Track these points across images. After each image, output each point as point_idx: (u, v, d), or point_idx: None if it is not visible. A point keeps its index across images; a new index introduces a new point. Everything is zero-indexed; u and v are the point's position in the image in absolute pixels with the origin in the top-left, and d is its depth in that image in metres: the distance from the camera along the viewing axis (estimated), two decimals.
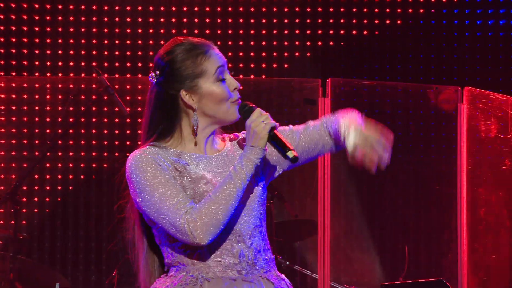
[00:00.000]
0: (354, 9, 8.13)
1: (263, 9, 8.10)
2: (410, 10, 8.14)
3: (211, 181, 3.03)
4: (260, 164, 2.98)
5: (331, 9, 8.15)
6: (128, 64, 7.96)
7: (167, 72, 3.09)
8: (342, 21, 8.12)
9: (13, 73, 7.83)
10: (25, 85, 7.03)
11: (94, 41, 7.95)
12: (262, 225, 3.11)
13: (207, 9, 8.06)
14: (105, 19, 7.98)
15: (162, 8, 8.04)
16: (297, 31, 8.09)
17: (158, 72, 3.10)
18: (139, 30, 8.00)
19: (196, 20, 8.04)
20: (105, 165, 7.20)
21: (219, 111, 3.08)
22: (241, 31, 8.05)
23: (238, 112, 3.08)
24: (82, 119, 6.94)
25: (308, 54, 8.06)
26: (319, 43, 8.09)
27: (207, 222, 2.90)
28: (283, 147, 2.96)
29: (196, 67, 3.07)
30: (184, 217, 2.90)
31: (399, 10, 8.14)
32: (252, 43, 8.04)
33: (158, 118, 3.12)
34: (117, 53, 7.95)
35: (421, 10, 8.15)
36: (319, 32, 8.11)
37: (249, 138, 2.98)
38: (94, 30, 7.97)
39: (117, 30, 7.98)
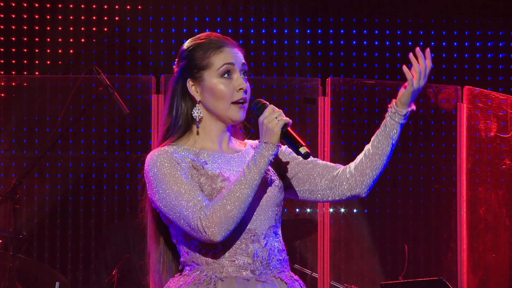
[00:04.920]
0: (354, 8, 8.12)
1: (263, 8, 8.10)
2: (409, 9, 8.14)
3: (228, 178, 3.04)
4: (273, 160, 2.99)
5: (331, 8, 8.15)
6: (128, 63, 7.96)
7: (181, 59, 3.15)
8: (342, 20, 8.12)
9: (13, 72, 7.83)
10: (25, 84, 7.03)
11: (94, 40, 7.95)
12: (277, 226, 3.11)
13: (207, 7, 8.06)
14: (105, 18, 7.98)
15: (162, 7, 8.04)
16: (297, 30, 8.09)
17: (177, 59, 3.18)
18: (139, 29, 8.00)
19: (196, 18, 8.04)
20: (105, 164, 7.20)
21: (218, 108, 3.10)
22: (241, 30, 8.05)
23: (241, 114, 3.10)
24: (82, 118, 6.94)
25: (308, 53, 8.06)
26: (319, 42, 8.09)
27: (220, 220, 2.90)
28: (295, 143, 2.98)
29: (204, 59, 3.10)
30: (197, 215, 2.91)
31: (398, 8, 8.14)
32: (252, 41, 8.04)
33: (173, 103, 3.16)
34: (117, 52, 7.95)
35: (420, 9, 8.14)
36: (319, 31, 8.11)
37: (262, 135, 2.99)
38: (94, 29, 7.97)
39: (117, 29, 7.98)
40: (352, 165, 3.17)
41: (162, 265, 3.18)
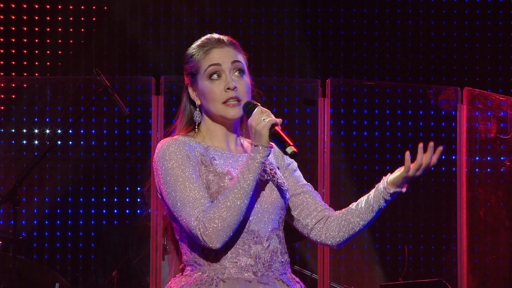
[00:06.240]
0: (354, 9, 8.13)
1: (263, 9, 8.10)
2: (409, 10, 8.15)
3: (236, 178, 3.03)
4: (265, 161, 2.97)
5: (331, 9, 8.15)
6: (128, 64, 7.96)
7: (184, 65, 3.18)
8: (341, 21, 8.12)
9: (13, 74, 7.83)
10: (25, 85, 7.03)
11: (93, 41, 7.95)
12: (280, 229, 3.11)
13: (207, 9, 8.07)
14: (105, 19, 7.98)
15: (161, 8, 8.04)
16: (296, 31, 8.09)
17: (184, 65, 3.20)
18: (139, 30, 7.99)
19: (196, 20, 8.04)
20: (104, 166, 7.20)
21: (211, 109, 3.11)
22: (240, 31, 8.05)
23: (234, 111, 3.08)
24: (82, 119, 6.93)
25: (308, 54, 8.06)
26: (319, 43, 8.09)
27: (216, 227, 2.91)
28: (283, 142, 2.95)
29: (196, 64, 3.12)
30: (196, 222, 2.91)
31: (398, 10, 8.14)
32: (251, 43, 8.04)
33: (181, 108, 3.20)
34: (116, 53, 7.95)
35: (421, 11, 8.15)
36: (319, 32, 8.11)
37: (252, 138, 2.97)
38: (94, 30, 7.97)
39: (116, 30, 7.98)
40: (333, 218, 3.16)
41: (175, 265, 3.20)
